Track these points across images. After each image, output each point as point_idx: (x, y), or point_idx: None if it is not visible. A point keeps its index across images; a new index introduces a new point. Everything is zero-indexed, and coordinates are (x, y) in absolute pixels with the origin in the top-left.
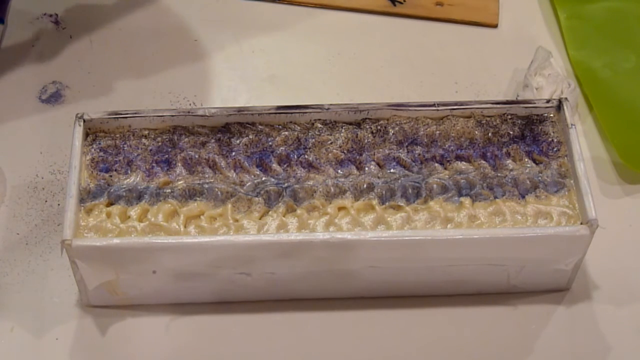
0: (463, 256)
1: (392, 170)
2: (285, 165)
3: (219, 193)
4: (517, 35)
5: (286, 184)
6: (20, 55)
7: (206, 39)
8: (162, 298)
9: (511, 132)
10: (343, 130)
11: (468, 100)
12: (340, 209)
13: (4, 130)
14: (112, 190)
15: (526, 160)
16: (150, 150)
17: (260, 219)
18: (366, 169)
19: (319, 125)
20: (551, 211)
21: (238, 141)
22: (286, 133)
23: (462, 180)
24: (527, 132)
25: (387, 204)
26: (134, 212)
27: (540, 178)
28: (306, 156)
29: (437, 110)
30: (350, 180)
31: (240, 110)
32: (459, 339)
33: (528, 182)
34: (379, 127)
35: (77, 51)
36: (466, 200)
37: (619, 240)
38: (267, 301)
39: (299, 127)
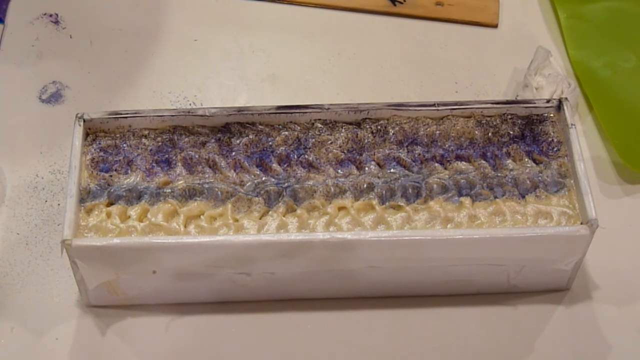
0: (463, 256)
1: (392, 170)
2: (285, 165)
3: (219, 193)
4: (517, 35)
5: (286, 184)
6: (20, 55)
7: (206, 39)
8: (162, 298)
9: (511, 132)
10: (343, 130)
11: (468, 100)
12: (340, 208)
13: (4, 130)
14: (112, 190)
15: (526, 160)
16: (150, 150)
17: (260, 218)
18: (366, 168)
19: (319, 125)
20: (551, 211)
21: (238, 141)
22: (286, 133)
23: (462, 180)
24: (527, 132)
25: (387, 203)
26: (134, 212)
27: (540, 178)
28: (306, 156)
29: (437, 110)
30: (350, 180)
31: (240, 110)
32: (459, 339)
33: (528, 182)
34: (379, 127)
35: (77, 51)
36: (466, 200)
37: (619, 240)
38: (267, 301)
39: (299, 127)
